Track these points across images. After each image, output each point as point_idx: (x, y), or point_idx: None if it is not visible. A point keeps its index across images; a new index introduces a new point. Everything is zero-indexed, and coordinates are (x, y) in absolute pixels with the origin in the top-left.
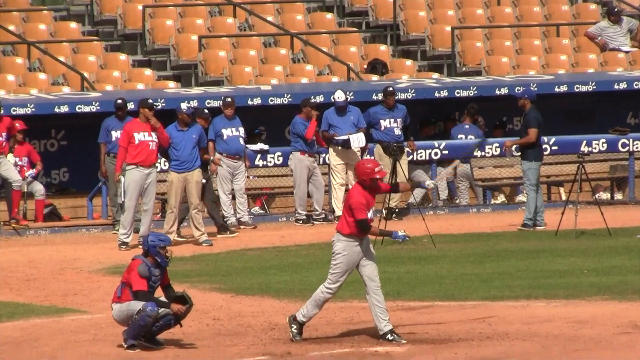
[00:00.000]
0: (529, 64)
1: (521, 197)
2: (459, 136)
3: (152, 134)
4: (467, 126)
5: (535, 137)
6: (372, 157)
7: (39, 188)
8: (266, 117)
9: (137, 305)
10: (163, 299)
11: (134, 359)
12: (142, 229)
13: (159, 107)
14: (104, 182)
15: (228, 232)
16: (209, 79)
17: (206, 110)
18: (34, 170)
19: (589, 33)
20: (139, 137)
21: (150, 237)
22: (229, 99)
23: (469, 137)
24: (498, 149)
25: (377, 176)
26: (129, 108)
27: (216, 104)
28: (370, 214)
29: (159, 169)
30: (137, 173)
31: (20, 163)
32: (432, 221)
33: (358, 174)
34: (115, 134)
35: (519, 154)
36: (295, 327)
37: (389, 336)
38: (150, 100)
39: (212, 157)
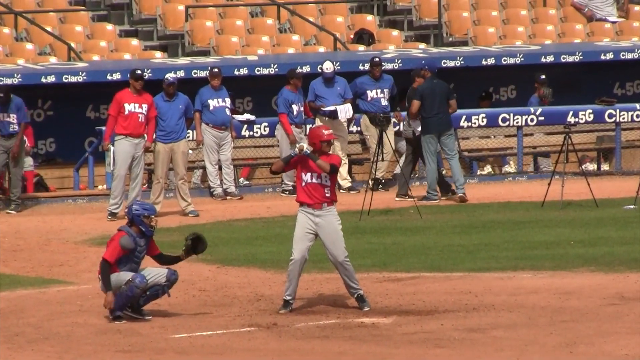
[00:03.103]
0: (516, 34)
1: (507, 168)
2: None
3: (143, 106)
4: (532, 98)
5: (414, 109)
6: (359, 128)
7: (27, 159)
8: (253, 88)
9: (126, 276)
10: (152, 269)
11: (120, 330)
12: (130, 198)
13: (145, 77)
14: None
15: (450, 194)
16: (196, 49)
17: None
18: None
19: (575, 3)
20: (129, 107)
21: (134, 206)
22: (216, 70)
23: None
24: (485, 120)
25: (325, 138)
26: (115, 78)
27: (202, 74)
28: (308, 177)
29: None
30: (126, 143)
31: None
32: (419, 192)
33: (310, 137)
34: None
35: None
36: (282, 303)
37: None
38: (139, 71)
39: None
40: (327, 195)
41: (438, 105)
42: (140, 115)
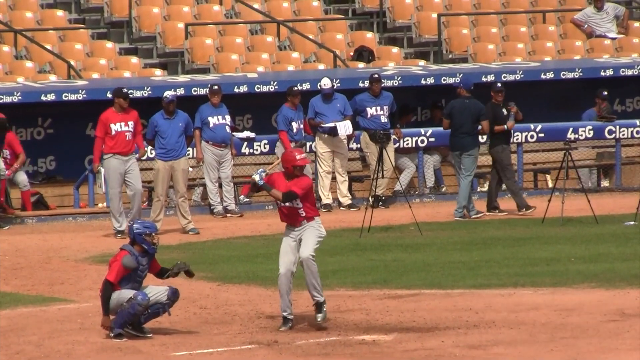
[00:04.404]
0: (515, 51)
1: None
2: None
3: (129, 123)
4: (589, 110)
5: (444, 128)
6: (359, 145)
7: (22, 179)
8: (252, 105)
9: (128, 293)
10: (153, 287)
11: (121, 347)
12: (132, 214)
13: (145, 95)
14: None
15: (525, 210)
16: (196, 66)
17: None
18: (16, 164)
19: (575, 20)
20: (115, 127)
21: (135, 225)
22: (216, 87)
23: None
24: (484, 137)
25: (298, 164)
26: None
27: (202, 91)
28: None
29: (145, 157)
30: (115, 161)
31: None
32: (419, 209)
33: (282, 161)
34: None
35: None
36: (282, 321)
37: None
38: (125, 89)
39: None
40: (302, 214)
41: (465, 124)
42: (127, 133)
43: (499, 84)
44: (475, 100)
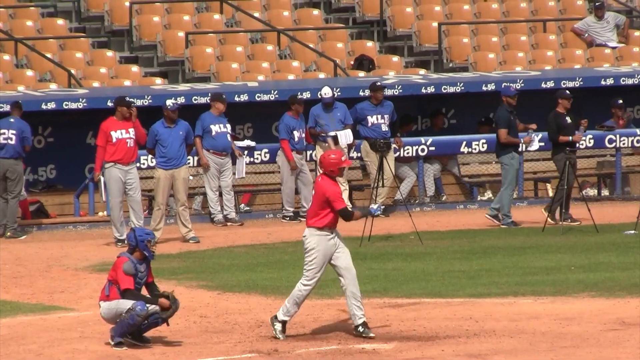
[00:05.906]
0: (516, 60)
1: None
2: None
3: (130, 131)
4: (607, 122)
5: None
6: (359, 154)
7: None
8: (253, 114)
9: (127, 303)
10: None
11: (121, 356)
12: (140, 223)
13: (145, 103)
14: None
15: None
16: (196, 75)
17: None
18: None
19: (575, 29)
20: (116, 135)
21: (137, 232)
22: (224, 96)
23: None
24: (485, 145)
25: (344, 165)
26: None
27: (203, 100)
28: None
29: (146, 166)
30: (116, 170)
31: None
32: (419, 218)
33: (325, 166)
34: None
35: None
36: (278, 325)
37: (360, 328)
38: (128, 98)
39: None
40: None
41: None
42: (128, 140)
43: (567, 91)
44: (500, 107)
